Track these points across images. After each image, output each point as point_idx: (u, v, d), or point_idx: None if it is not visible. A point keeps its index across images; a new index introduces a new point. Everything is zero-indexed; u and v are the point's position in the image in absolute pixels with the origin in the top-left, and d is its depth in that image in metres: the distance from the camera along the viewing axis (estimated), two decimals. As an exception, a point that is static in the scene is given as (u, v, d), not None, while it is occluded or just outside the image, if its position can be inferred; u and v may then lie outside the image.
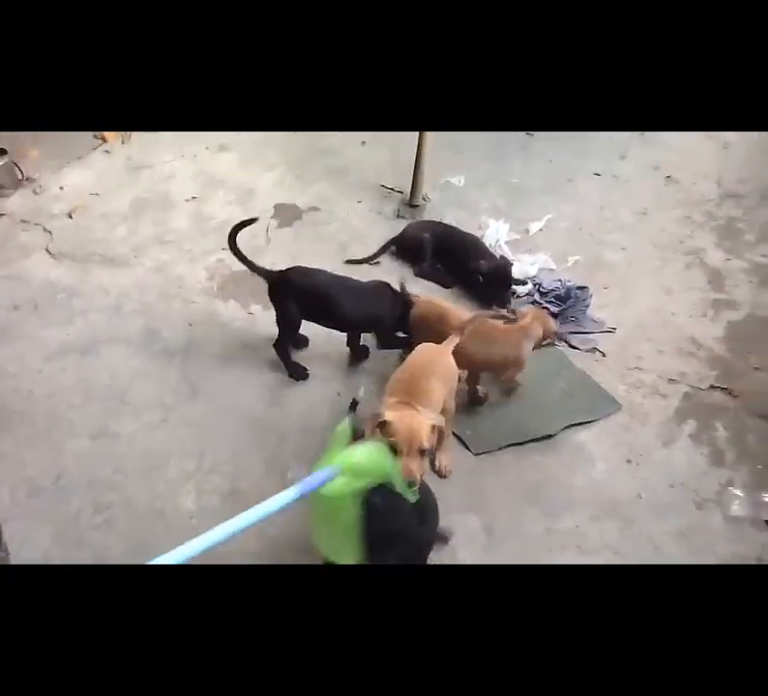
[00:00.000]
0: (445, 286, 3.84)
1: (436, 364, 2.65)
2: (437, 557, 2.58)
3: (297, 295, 3.09)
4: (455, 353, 2.79)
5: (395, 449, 2.18)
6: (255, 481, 2.80)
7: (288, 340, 3.27)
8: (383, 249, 3.95)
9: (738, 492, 2.81)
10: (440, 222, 4.11)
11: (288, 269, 3.17)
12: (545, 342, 3.16)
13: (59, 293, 3.59)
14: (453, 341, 2.79)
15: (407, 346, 3.11)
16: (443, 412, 2.59)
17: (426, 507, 2.33)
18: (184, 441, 2.92)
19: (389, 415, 2.27)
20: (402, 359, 3.06)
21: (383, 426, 2.26)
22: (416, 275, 3.88)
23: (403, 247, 3.99)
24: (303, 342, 3.41)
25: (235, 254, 3.17)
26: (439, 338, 2.82)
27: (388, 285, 3.25)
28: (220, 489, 2.75)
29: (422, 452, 2.25)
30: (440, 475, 2.84)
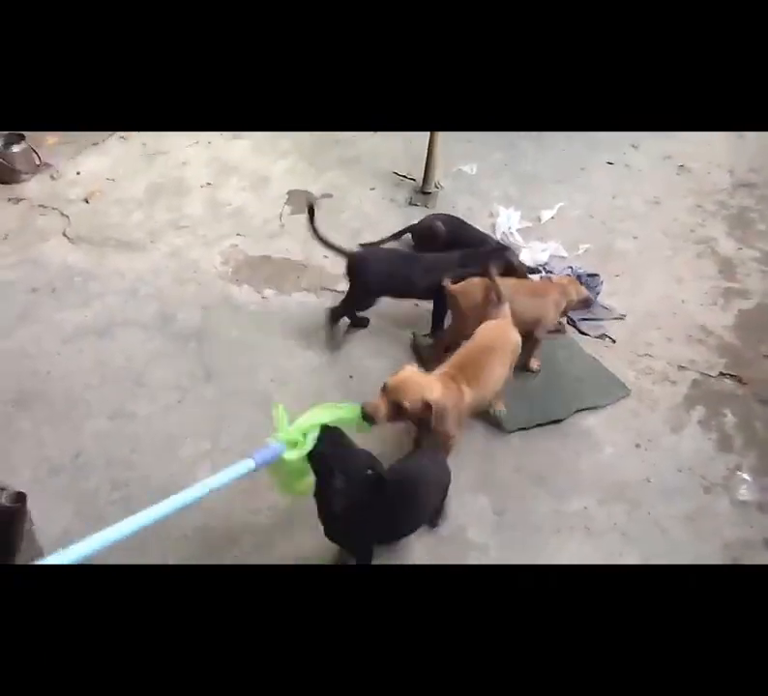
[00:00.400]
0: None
1: (501, 343, 2.76)
2: (448, 534, 2.63)
3: (376, 272, 3.25)
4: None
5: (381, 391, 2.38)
6: (269, 462, 2.84)
7: (351, 313, 3.42)
8: (397, 235, 3.96)
9: (746, 477, 2.84)
10: (457, 217, 4.00)
11: (366, 249, 3.44)
12: (576, 307, 3.32)
13: (76, 277, 3.64)
14: (506, 312, 2.91)
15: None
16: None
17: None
18: (199, 422, 2.97)
19: (405, 369, 2.46)
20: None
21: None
22: None
23: (418, 236, 4.00)
24: (364, 322, 3.50)
25: (316, 237, 3.34)
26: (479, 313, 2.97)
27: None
28: (234, 469, 2.80)
29: (397, 406, 2.35)
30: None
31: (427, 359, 3.23)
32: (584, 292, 3.31)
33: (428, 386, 2.42)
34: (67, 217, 4.03)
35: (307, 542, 2.53)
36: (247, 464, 1.96)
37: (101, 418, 2.95)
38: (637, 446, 3.00)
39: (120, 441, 2.86)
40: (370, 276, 3.27)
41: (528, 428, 3.04)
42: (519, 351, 2.86)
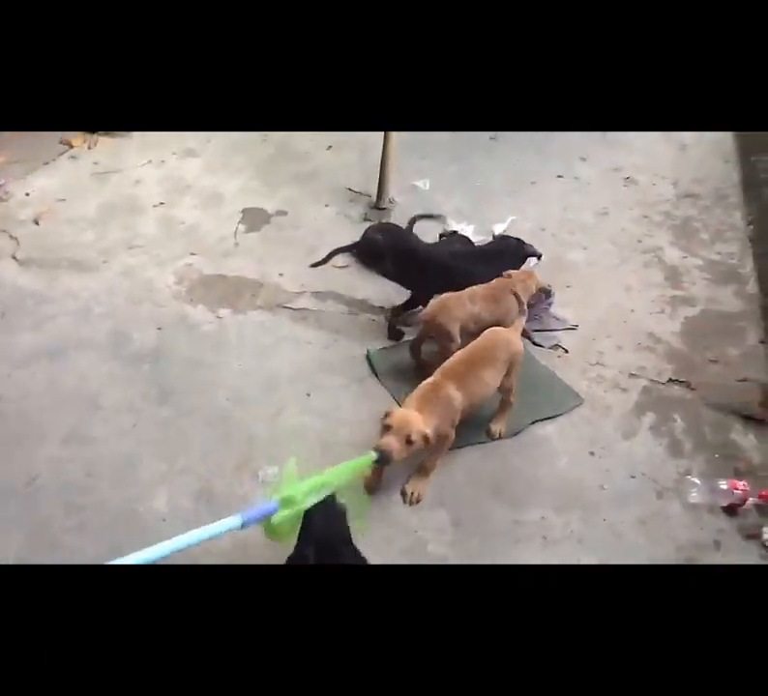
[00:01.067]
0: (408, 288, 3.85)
1: (498, 350, 2.92)
2: (408, 549, 2.65)
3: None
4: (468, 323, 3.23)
5: (385, 429, 2.57)
6: (227, 482, 2.83)
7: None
8: (335, 253, 3.88)
9: (695, 480, 2.90)
10: (395, 226, 4.00)
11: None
12: (537, 298, 3.56)
13: (27, 299, 3.60)
14: (521, 323, 3.15)
15: None
16: (501, 389, 3.01)
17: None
18: (155, 444, 2.95)
19: (394, 414, 2.61)
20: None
21: (386, 417, 2.61)
22: (380, 274, 3.86)
23: (360, 252, 4.00)
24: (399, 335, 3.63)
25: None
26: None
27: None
28: (191, 491, 2.79)
29: (407, 440, 2.55)
30: (490, 436, 3.10)
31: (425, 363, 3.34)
32: (540, 282, 3.50)
33: (414, 415, 2.63)
34: (16, 238, 3.98)
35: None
36: (233, 522, 1.88)
37: (54, 441, 2.91)
38: (592, 453, 3.06)
39: (74, 465, 2.83)
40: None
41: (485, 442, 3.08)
42: (521, 357, 3.01)
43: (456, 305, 3.26)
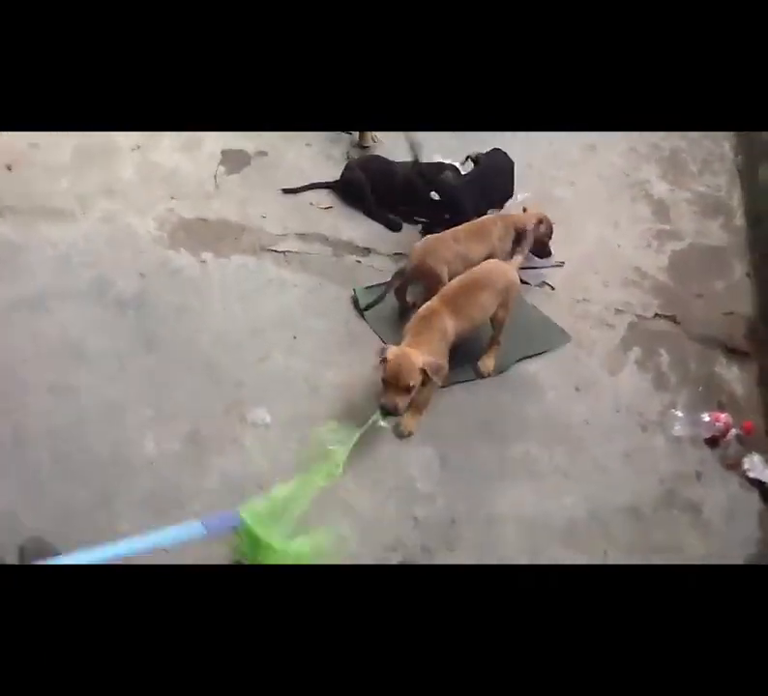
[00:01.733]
0: (393, 229, 3.81)
1: (492, 280, 2.97)
2: (396, 487, 2.69)
3: None
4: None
5: (385, 383, 2.63)
6: (215, 426, 2.85)
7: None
8: (312, 186, 3.95)
9: (679, 413, 2.95)
10: (377, 157, 4.01)
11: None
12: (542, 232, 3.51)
13: (3, 249, 3.52)
14: (518, 261, 3.19)
15: None
16: (494, 322, 3.04)
17: None
18: (142, 390, 2.95)
19: (390, 353, 2.64)
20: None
21: (383, 363, 2.64)
22: (365, 214, 3.86)
23: (342, 191, 3.96)
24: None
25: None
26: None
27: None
28: (179, 435, 2.80)
29: (407, 389, 2.61)
30: (479, 374, 3.11)
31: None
32: (539, 215, 3.48)
33: (409, 357, 2.64)
34: (-10, 187, 3.88)
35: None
36: (197, 529, 1.86)
37: (40, 391, 2.89)
38: (577, 389, 3.08)
39: (60, 414, 2.82)
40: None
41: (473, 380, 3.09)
42: (516, 290, 3.06)
43: (442, 247, 3.22)
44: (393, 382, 2.62)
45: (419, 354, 2.66)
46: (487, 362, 3.11)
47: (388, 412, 2.62)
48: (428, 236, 3.32)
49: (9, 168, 4.00)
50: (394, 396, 2.61)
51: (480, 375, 3.10)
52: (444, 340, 2.81)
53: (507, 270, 3.05)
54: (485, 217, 3.40)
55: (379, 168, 3.83)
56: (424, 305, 2.89)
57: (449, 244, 3.24)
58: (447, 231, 3.30)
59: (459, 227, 3.33)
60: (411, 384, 2.61)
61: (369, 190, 3.81)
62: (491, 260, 3.12)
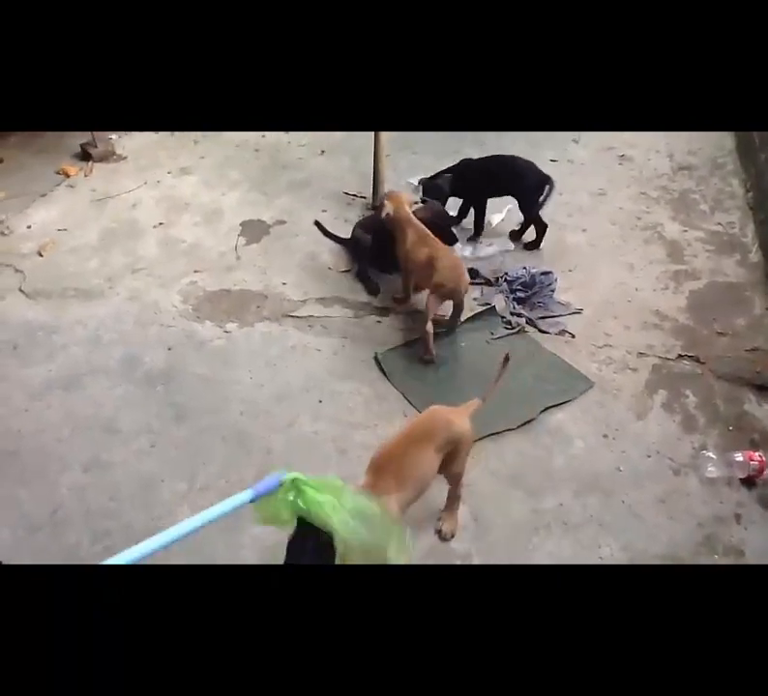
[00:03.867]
0: (370, 293, 3.90)
1: (435, 431, 2.43)
2: (431, 548, 2.68)
3: None
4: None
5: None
6: (248, 494, 2.88)
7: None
8: (330, 236, 4.29)
9: (711, 454, 2.90)
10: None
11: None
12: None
13: (37, 331, 3.67)
14: (473, 406, 2.64)
15: None
16: (447, 478, 2.60)
17: None
18: (175, 463, 3.01)
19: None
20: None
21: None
22: (355, 275, 4.02)
23: (351, 249, 4.11)
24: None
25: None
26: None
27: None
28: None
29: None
30: (442, 538, 2.73)
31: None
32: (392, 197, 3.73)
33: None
34: (21, 272, 4.06)
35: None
36: (245, 496, 1.86)
37: (75, 470, 2.97)
38: (605, 436, 3.06)
39: (96, 491, 2.89)
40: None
41: (482, 438, 3.05)
42: (468, 442, 2.56)
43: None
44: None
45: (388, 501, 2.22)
46: (449, 524, 2.73)
47: None
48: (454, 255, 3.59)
49: (40, 254, 4.20)
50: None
51: (443, 538, 2.73)
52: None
53: (451, 419, 2.47)
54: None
55: (383, 227, 3.92)
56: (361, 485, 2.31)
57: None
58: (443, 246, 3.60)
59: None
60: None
61: (368, 253, 3.94)
62: (435, 408, 2.57)
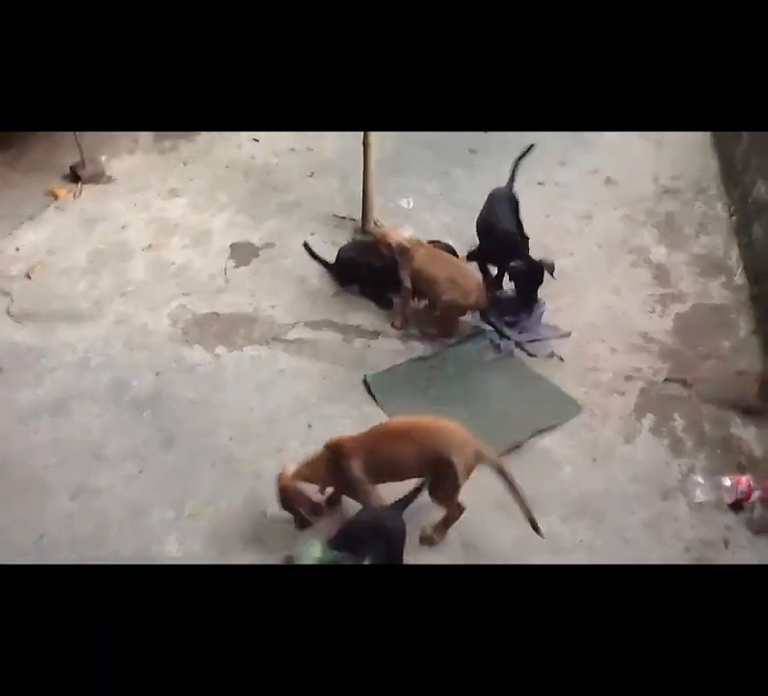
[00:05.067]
0: (383, 307, 3.95)
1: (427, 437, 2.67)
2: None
3: None
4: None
5: None
6: (236, 523, 2.87)
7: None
8: (318, 259, 4.26)
9: (699, 479, 2.93)
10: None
11: None
12: None
13: (25, 354, 3.65)
14: (488, 452, 2.73)
15: None
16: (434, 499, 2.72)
17: None
18: (163, 490, 2.99)
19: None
20: None
21: None
22: (359, 292, 4.05)
23: (337, 272, 4.13)
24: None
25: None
26: None
27: None
28: (201, 535, 2.82)
29: None
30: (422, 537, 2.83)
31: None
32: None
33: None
34: (9, 294, 4.03)
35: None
36: None
37: (62, 496, 2.95)
38: (594, 460, 3.08)
39: (84, 518, 2.87)
40: None
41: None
42: (466, 464, 2.66)
43: None
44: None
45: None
46: (438, 534, 2.81)
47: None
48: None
49: (28, 276, 4.19)
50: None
51: (422, 538, 2.84)
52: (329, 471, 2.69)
53: (466, 442, 2.64)
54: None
55: (371, 252, 3.95)
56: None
57: None
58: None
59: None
60: None
61: (363, 270, 3.96)
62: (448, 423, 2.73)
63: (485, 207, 4.00)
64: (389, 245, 3.69)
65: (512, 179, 4.17)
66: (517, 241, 3.87)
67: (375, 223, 4.51)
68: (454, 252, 3.98)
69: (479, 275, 3.83)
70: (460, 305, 3.59)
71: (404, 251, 3.66)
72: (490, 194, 4.05)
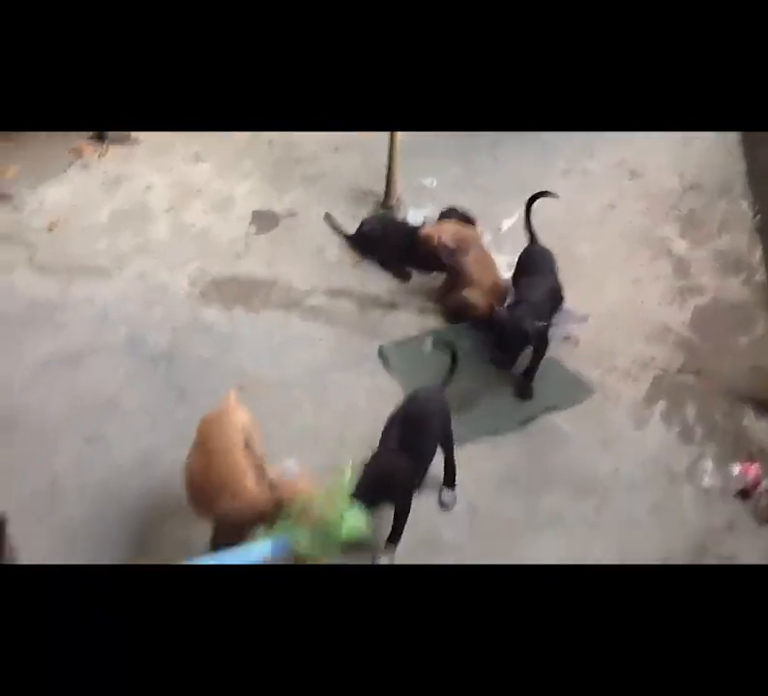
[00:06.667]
0: (402, 279, 3.95)
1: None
2: (424, 537, 2.69)
3: None
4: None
5: None
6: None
7: None
8: (338, 231, 4.24)
9: (708, 465, 2.93)
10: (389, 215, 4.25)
11: None
12: None
13: (44, 306, 3.66)
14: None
15: None
16: None
17: None
18: (173, 441, 2.99)
19: None
20: None
21: None
22: (379, 264, 4.04)
23: (357, 244, 4.13)
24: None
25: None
26: None
27: None
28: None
29: None
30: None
31: None
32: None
33: None
34: (31, 246, 4.05)
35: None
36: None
37: (75, 443, 2.97)
38: (603, 441, 3.09)
39: (95, 464, 2.89)
40: None
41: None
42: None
43: None
44: None
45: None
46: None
47: None
48: None
49: (49, 229, 4.19)
50: None
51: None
52: None
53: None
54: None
55: (391, 227, 3.96)
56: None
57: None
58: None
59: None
60: None
61: (383, 244, 3.98)
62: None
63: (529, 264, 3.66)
64: (435, 248, 3.65)
65: (531, 232, 3.85)
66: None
67: (397, 199, 4.52)
68: (471, 221, 4.00)
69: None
70: (475, 310, 3.60)
71: (451, 254, 3.66)
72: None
